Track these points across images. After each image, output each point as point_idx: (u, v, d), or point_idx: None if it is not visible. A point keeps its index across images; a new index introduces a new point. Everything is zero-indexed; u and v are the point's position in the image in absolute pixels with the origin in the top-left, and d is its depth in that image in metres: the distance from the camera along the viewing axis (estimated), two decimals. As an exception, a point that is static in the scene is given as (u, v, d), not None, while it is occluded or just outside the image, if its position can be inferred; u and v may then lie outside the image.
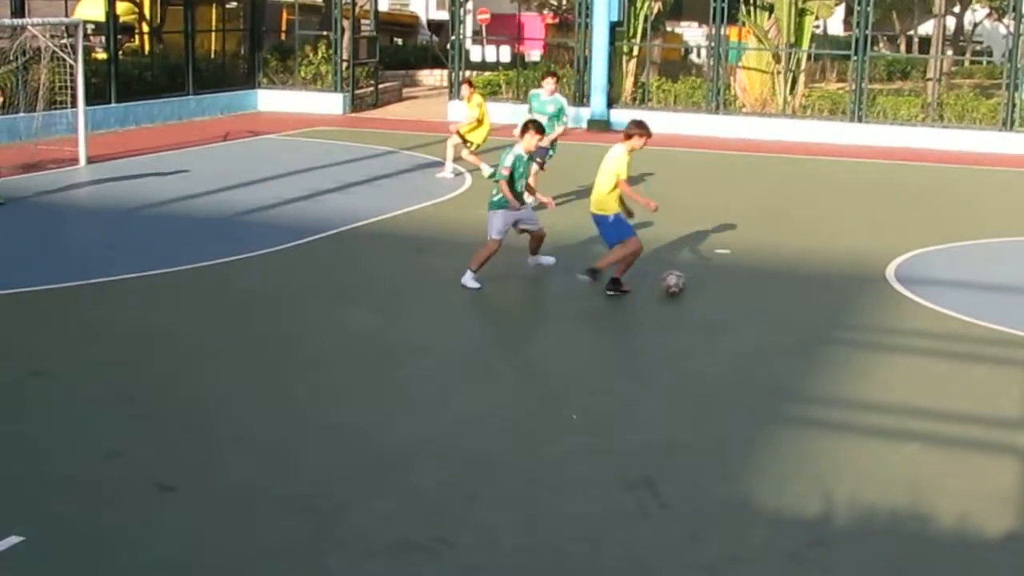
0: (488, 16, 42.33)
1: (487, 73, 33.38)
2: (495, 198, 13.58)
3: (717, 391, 10.47)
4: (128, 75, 28.25)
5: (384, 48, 38.64)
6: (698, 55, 41.70)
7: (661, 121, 27.82)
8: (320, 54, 32.54)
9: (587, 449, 9.06)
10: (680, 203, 18.98)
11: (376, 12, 36.03)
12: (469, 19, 41.66)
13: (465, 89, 21.25)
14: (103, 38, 28.71)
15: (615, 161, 13.36)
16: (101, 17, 28.13)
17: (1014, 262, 16.15)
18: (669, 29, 40.15)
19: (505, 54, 37.02)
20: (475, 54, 36.51)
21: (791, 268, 15.19)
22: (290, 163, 22.17)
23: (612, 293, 13.34)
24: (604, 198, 13.44)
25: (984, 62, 49.98)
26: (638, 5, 31.14)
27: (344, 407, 9.89)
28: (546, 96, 18.30)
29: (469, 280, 13.45)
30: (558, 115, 18.06)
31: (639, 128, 13.45)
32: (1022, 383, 10.82)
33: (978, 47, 57.84)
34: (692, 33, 45.11)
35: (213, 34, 34.01)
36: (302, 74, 32.49)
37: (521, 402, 10.25)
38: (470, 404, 9.99)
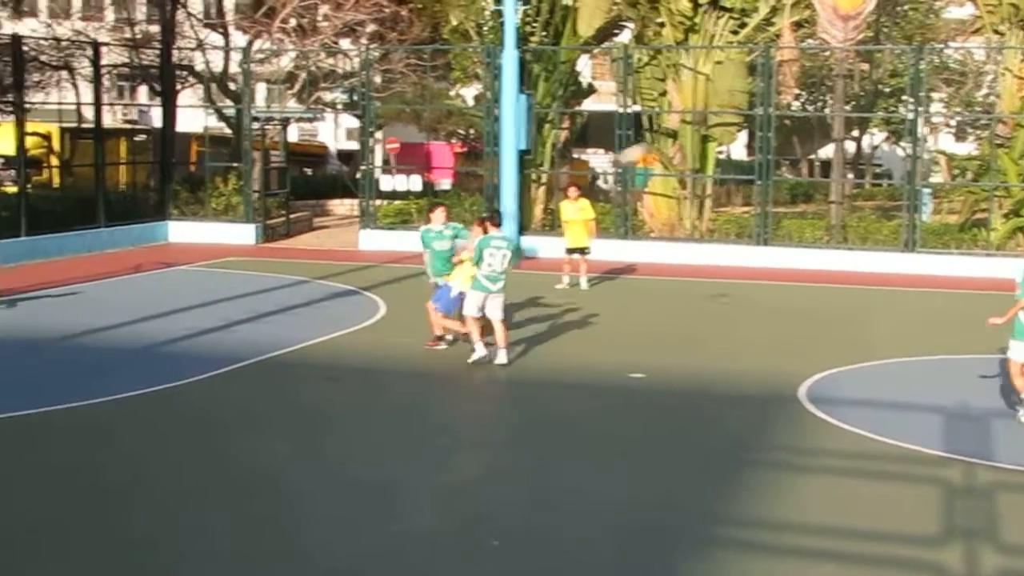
0: (397, 145, 42.84)
1: (398, 202, 33.65)
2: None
3: (636, 514, 10.48)
4: (38, 208, 28.11)
5: (294, 178, 38.83)
6: (605, 181, 42.45)
7: (571, 247, 28.22)
8: (231, 185, 32.60)
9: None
10: (593, 327, 19.17)
11: (286, 143, 36.24)
12: (379, 148, 42.10)
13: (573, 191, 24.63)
14: (13, 171, 28.63)
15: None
16: (11, 151, 28.06)
17: (921, 381, 16.45)
18: (576, 156, 40.83)
19: (416, 183, 37.41)
20: (385, 183, 36.83)
21: (704, 390, 15.35)
22: (203, 294, 22.08)
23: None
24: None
25: (884, 184, 51.35)
26: (545, 133, 31.69)
27: (265, 536, 9.75)
28: (438, 226, 18.10)
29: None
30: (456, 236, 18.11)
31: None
32: (935, 499, 10.99)
33: (878, 170, 59.44)
34: (598, 159, 45.94)
35: (123, 166, 34.04)
36: (213, 205, 32.51)
37: (443, 526, 10.16)
38: (393, 531, 9.90)
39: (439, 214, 18.00)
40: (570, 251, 24.03)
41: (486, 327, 16.19)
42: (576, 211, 24.08)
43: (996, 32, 29.93)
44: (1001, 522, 10.40)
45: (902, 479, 11.77)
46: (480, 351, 16.02)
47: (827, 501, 11.06)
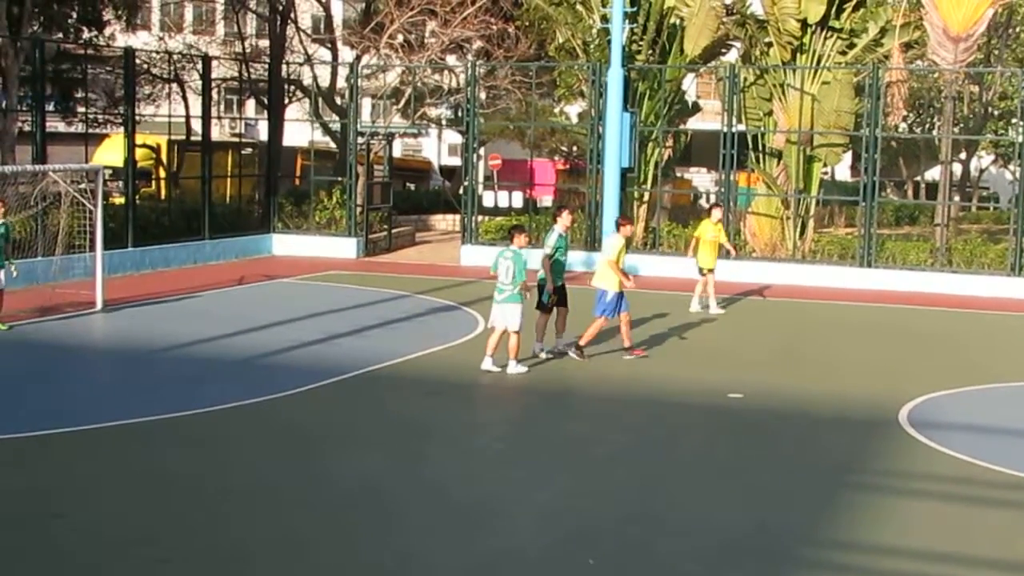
0: (500, 162, 43.06)
1: (499, 218, 33.79)
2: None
3: (734, 535, 10.44)
4: (145, 219, 28.67)
5: (397, 193, 39.21)
6: (707, 200, 42.26)
7: (672, 265, 28.21)
8: (334, 199, 33.02)
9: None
10: (693, 347, 19.13)
11: (390, 158, 36.62)
12: (481, 165, 42.36)
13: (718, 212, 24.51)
14: (121, 183, 29.23)
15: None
16: (119, 163, 28.65)
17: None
18: (679, 175, 40.73)
19: (517, 199, 37.55)
20: (487, 199, 37.04)
21: (804, 411, 15.23)
22: (305, 307, 22.38)
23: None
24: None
25: (991, 207, 50.52)
26: (648, 151, 31.67)
27: (362, 549, 9.86)
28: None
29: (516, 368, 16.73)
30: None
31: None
32: (1038, 528, 10.81)
33: (984, 193, 58.52)
34: (701, 179, 45.77)
35: (229, 179, 34.62)
36: (316, 219, 32.93)
37: (539, 543, 10.19)
38: (488, 547, 9.96)
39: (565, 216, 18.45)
40: (705, 271, 23.67)
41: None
42: (717, 233, 23.92)
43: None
44: (1107, 552, 10.20)
45: (1005, 505, 11.58)
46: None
47: (928, 525, 10.93)
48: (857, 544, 10.29)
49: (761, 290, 26.58)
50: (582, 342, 17.74)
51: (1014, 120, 41.22)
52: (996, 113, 51.54)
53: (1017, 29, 51.18)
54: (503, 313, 16.67)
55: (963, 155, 53.70)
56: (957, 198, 48.59)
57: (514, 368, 16.65)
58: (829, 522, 10.85)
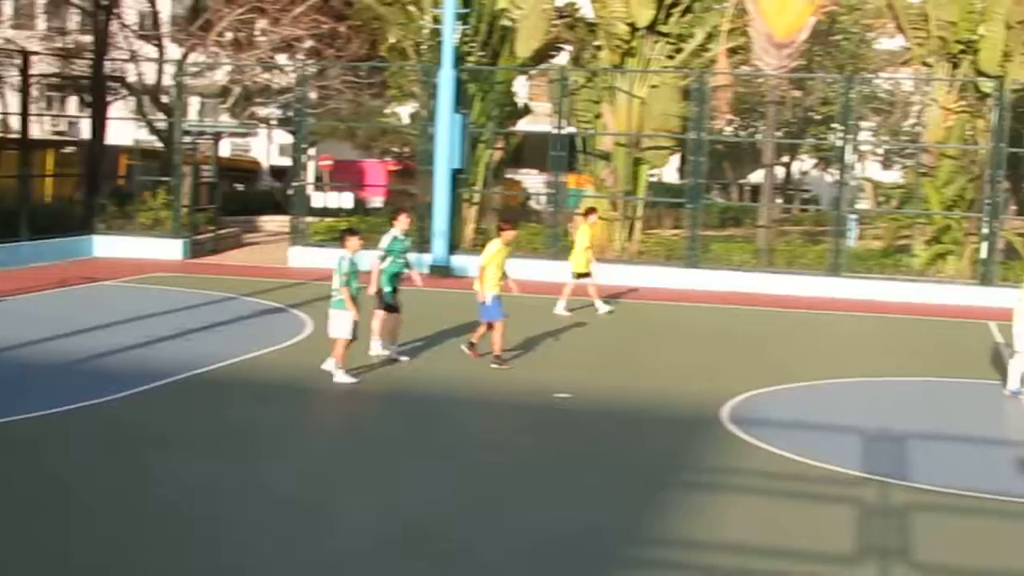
0: (331, 162, 42.73)
1: (329, 219, 33.53)
2: None
3: (559, 534, 10.51)
4: (-41, 220, 27.69)
5: (225, 193, 38.58)
6: (538, 201, 42.59)
7: (502, 266, 28.27)
8: (159, 199, 32.32)
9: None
10: (519, 348, 19.20)
11: (217, 158, 36.03)
12: (311, 165, 41.98)
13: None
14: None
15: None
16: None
17: (842, 402, 16.67)
18: (509, 176, 40.95)
19: (347, 200, 37.33)
20: (317, 200, 36.71)
21: (629, 411, 15.42)
22: (128, 309, 21.87)
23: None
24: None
25: (812, 209, 51.91)
26: (479, 153, 31.76)
27: (195, 553, 9.67)
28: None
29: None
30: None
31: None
32: (851, 519, 11.12)
33: (806, 195, 60.12)
34: (532, 180, 46.06)
35: (48, 179, 33.65)
36: (141, 219, 32.20)
37: (369, 547, 10.13)
38: (319, 549, 9.86)
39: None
40: (582, 275, 23.81)
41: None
42: (591, 237, 24.05)
43: (924, 64, 30.42)
44: (915, 541, 10.55)
45: (820, 499, 11.90)
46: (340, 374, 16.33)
47: (746, 520, 11.15)
48: (679, 540, 10.45)
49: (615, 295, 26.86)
50: (495, 352, 17.52)
51: (834, 125, 42.42)
52: (818, 118, 52.99)
53: (838, 37, 52.70)
54: (328, 319, 16.41)
55: (786, 158, 55.12)
56: (779, 200, 49.88)
57: (340, 377, 16.18)
58: (652, 519, 11.00)
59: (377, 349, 17.85)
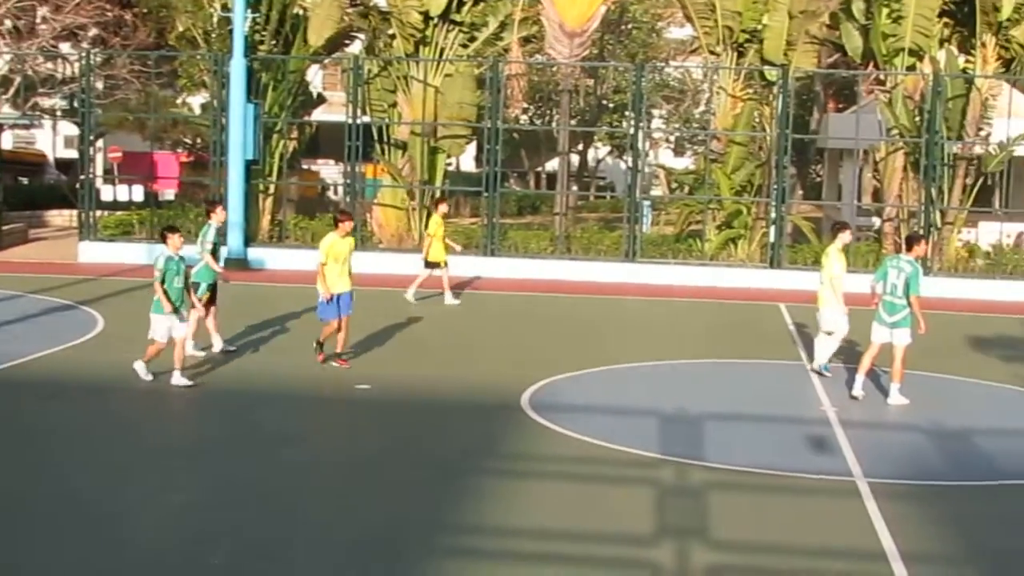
0: (120, 154, 41.61)
1: (119, 213, 32.65)
2: None
3: (365, 527, 10.43)
4: None
5: (8, 187, 37.18)
6: (335, 192, 42.29)
7: (299, 259, 28.07)
8: (-63, 194, 31.00)
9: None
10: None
11: None
12: (100, 157, 40.82)
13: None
14: None
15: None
16: None
17: (639, 386, 16.96)
18: (305, 167, 40.54)
19: (139, 193, 36.39)
20: (107, 193, 35.69)
21: (429, 399, 15.40)
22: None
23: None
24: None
25: (608, 196, 52.84)
26: (273, 143, 31.31)
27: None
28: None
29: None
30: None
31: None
32: (650, 500, 11.32)
33: (602, 182, 61.15)
34: (329, 170, 45.71)
35: None
36: (-84, 216, 30.82)
37: (166, 546, 9.88)
38: (116, 551, 9.58)
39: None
40: (434, 265, 23.86)
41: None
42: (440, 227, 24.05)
43: (712, 53, 31.14)
44: (711, 519, 10.79)
45: (619, 481, 12.07)
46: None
47: (548, 505, 11.24)
48: (479, 527, 10.47)
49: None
50: (338, 349, 16.90)
51: (627, 113, 43.17)
52: (611, 106, 53.92)
53: (629, 26, 53.68)
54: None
55: (581, 146, 55.91)
56: (575, 188, 50.53)
57: (176, 379, 15.42)
58: (456, 508, 10.99)
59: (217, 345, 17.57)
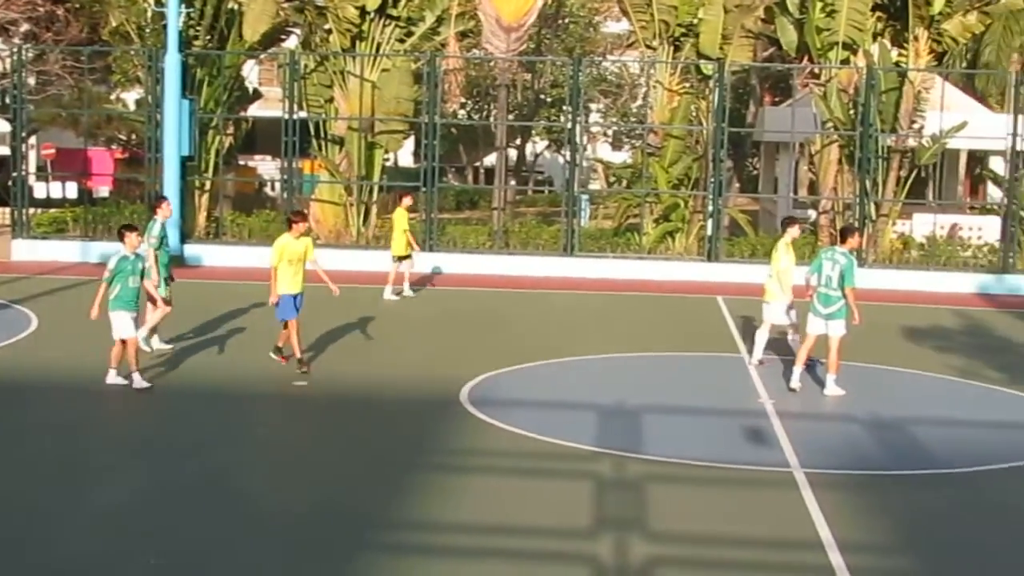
0: (53, 151, 41.14)
1: (53, 210, 32.28)
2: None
3: (306, 524, 10.37)
4: None
5: (-61, 186, 36.63)
6: (272, 188, 42.03)
7: (237, 256, 27.90)
8: None
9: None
10: (256, 337, 18.87)
11: (-72, 148, 34.23)
12: (33, 154, 40.30)
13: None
14: None
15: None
16: None
17: (577, 380, 16.99)
18: (242, 163, 40.23)
19: (72, 190, 36.03)
20: (40, 191, 35.28)
21: (368, 397, 15.36)
22: None
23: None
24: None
25: (546, 191, 52.86)
26: (209, 139, 31.05)
27: None
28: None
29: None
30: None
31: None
32: (588, 493, 11.35)
33: (540, 177, 61.19)
34: (266, 166, 45.42)
35: None
36: None
37: (103, 548, 9.77)
38: (47, 555, 9.46)
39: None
40: (402, 258, 24.43)
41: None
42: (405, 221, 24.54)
43: (649, 47, 31.22)
44: (649, 512, 10.85)
45: (558, 475, 12.09)
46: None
47: (486, 500, 11.24)
48: (417, 522, 10.45)
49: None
50: (296, 355, 16.43)
51: (565, 107, 43.26)
52: (549, 100, 53.97)
53: (566, 20, 53.75)
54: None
55: (519, 141, 55.92)
56: (514, 182, 50.56)
57: (137, 382, 15.13)
58: (398, 504, 10.95)
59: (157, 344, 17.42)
